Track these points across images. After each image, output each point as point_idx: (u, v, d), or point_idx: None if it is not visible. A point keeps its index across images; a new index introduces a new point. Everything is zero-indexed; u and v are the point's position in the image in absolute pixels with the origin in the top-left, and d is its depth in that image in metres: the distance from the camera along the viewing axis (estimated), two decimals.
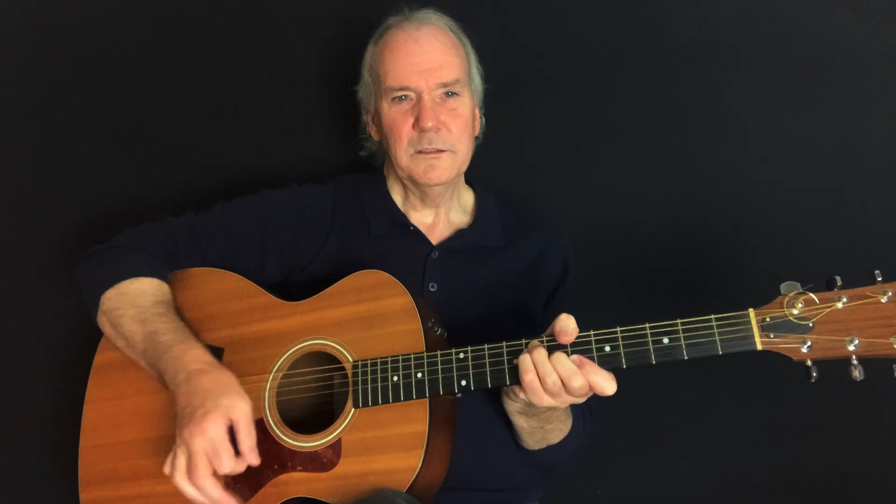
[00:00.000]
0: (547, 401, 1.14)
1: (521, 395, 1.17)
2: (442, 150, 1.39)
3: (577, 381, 1.10)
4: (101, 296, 1.35)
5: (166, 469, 1.18)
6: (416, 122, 1.38)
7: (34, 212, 1.81)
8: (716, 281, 1.55)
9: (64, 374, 1.71)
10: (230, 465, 1.15)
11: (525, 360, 1.13)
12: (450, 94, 1.41)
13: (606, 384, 1.11)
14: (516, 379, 1.16)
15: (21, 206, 1.82)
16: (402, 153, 1.40)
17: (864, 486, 1.59)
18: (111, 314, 1.35)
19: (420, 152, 1.39)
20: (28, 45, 1.82)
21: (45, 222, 1.80)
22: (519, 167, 1.74)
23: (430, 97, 1.39)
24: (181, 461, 1.16)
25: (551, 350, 1.13)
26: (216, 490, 1.15)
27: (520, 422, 1.31)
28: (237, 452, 1.16)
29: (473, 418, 1.34)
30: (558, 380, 1.11)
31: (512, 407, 1.28)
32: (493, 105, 1.57)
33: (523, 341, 1.18)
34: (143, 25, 1.80)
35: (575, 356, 1.13)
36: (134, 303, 1.33)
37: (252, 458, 1.17)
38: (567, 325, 1.13)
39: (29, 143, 1.82)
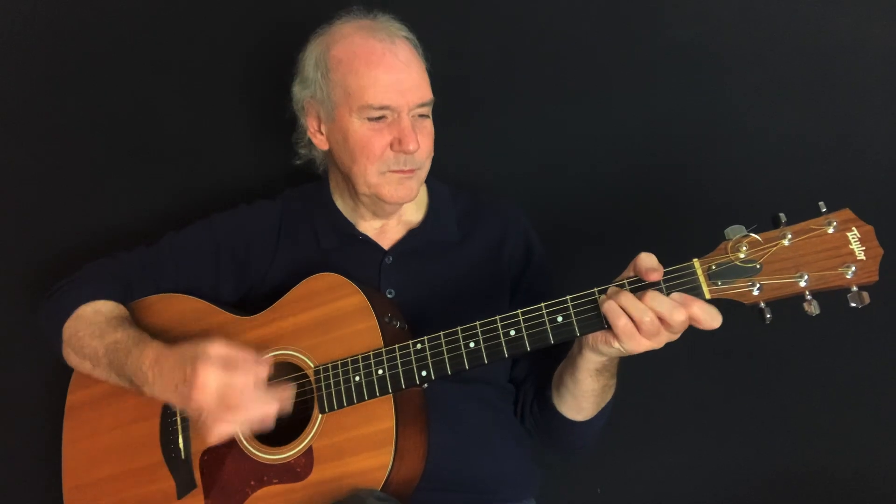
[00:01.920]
0: (644, 344, 1.07)
1: (615, 345, 1.09)
2: (414, 170, 1.36)
3: (680, 315, 1.04)
4: (62, 327, 1.36)
5: (212, 440, 1.14)
6: (397, 143, 1.31)
7: (32, 215, 1.81)
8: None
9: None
10: (256, 373, 1.13)
11: (612, 307, 1.06)
12: (422, 115, 1.36)
13: (710, 316, 1.04)
14: (475, 361, 1.15)
15: (20, 208, 1.82)
16: (373, 172, 1.34)
17: (866, 484, 1.57)
18: (71, 341, 1.36)
19: (392, 171, 1.34)
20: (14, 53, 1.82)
21: (42, 226, 1.80)
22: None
23: (409, 117, 1.33)
24: (217, 417, 1.12)
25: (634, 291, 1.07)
26: (266, 395, 1.13)
27: (590, 384, 1.24)
28: None
29: (464, 419, 1.33)
30: (655, 318, 1.05)
31: (591, 363, 1.19)
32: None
33: (477, 323, 1.16)
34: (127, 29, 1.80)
35: (675, 294, 1.06)
36: (90, 321, 1.35)
37: (262, 359, 1.16)
38: (652, 261, 1.08)
39: (29, 144, 1.81)
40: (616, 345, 1.10)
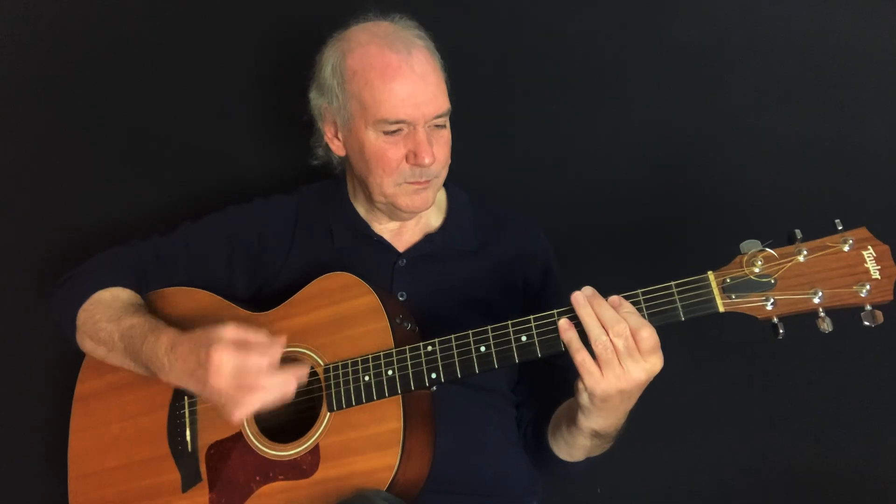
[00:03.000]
0: (603, 377, 1.07)
1: (580, 386, 1.09)
2: (430, 180, 1.35)
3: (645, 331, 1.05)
4: (77, 311, 1.37)
5: (235, 418, 1.15)
6: (413, 156, 1.31)
7: (32, 214, 1.82)
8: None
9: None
10: (266, 358, 1.15)
11: (571, 336, 1.08)
12: (438, 125, 1.35)
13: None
14: (485, 366, 1.15)
15: (19, 208, 1.83)
16: (389, 183, 1.33)
17: (866, 484, 1.56)
18: (86, 325, 1.36)
19: (408, 182, 1.34)
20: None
21: (42, 225, 1.81)
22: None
23: (425, 129, 1.31)
24: (235, 399, 1.14)
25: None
26: (277, 376, 1.15)
27: (583, 442, 1.24)
28: None
29: (468, 421, 1.33)
30: (599, 320, 1.06)
31: (586, 428, 1.19)
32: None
33: (489, 327, 1.16)
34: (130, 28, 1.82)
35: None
36: (109, 305, 1.36)
37: (275, 340, 1.17)
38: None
39: (28, 144, 1.83)
40: (581, 385, 1.09)
